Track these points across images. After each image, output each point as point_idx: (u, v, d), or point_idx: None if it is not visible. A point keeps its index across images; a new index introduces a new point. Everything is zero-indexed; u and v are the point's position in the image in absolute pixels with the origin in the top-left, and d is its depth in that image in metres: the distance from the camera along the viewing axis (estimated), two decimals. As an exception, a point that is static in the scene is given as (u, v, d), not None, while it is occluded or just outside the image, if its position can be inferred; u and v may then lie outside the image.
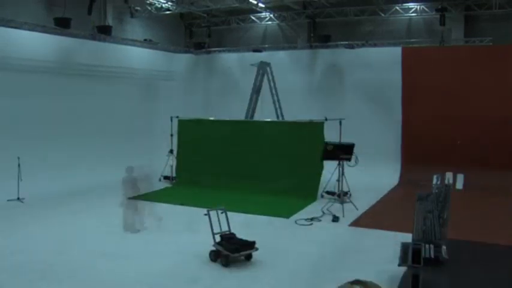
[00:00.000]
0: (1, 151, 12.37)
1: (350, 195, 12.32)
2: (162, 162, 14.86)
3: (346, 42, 17.24)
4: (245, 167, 13.76)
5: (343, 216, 10.78)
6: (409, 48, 16.10)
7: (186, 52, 20.02)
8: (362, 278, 5.42)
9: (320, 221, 10.56)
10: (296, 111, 15.03)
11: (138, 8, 17.46)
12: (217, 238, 7.95)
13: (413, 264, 6.24)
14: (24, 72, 13.48)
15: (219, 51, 19.99)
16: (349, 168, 11.96)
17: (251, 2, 16.05)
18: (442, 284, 6.97)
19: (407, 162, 15.32)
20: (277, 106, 15.29)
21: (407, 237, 7.72)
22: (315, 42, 18.17)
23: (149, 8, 17.35)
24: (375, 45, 16.98)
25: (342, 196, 11.90)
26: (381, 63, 15.94)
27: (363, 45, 16.94)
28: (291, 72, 17.42)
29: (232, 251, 7.56)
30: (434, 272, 6.97)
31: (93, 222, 10.25)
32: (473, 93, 14.56)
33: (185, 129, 14.95)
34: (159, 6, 17.16)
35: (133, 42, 17.52)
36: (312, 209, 11.50)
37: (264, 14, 18.95)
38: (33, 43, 13.92)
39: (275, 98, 15.32)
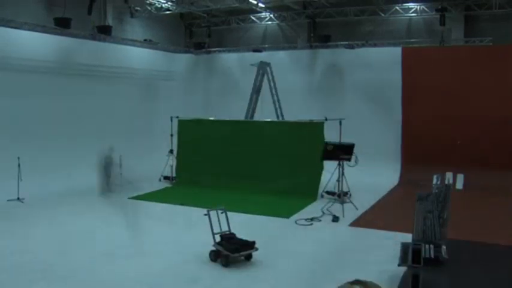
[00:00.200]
0: (1, 151, 12.34)
1: (350, 195, 12.32)
2: (162, 162, 14.86)
3: (346, 42, 17.23)
4: (245, 167, 13.76)
5: (343, 216, 10.78)
6: (409, 48, 16.09)
7: (186, 52, 20.01)
8: (362, 278, 5.41)
9: (320, 221, 10.55)
10: (296, 111, 15.01)
11: (138, 8, 17.45)
12: (217, 238, 7.94)
13: (413, 264, 6.24)
14: (24, 72, 13.46)
15: (219, 51, 19.98)
16: (349, 168, 11.96)
17: (251, 2, 16.04)
18: (442, 284, 6.96)
19: (407, 162, 15.31)
20: (277, 106, 15.29)
21: (407, 237, 7.73)
22: (315, 42, 18.16)
23: (149, 8, 17.34)
24: (375, 45, 16.97)
25: (342, 196, 11.90)
26: (381, 63, 15.93)
27: (363, 45, 16.93)
28: (291, 72, 17.41)
29: (232, 251, 7.56)
30: (434, 272, 6.96)
31: (93, 222, 10.24)
32: (473, 93, 14.55)
33: (185, 129, 14.95)
34: (159, 6, 17.14)
35: (133, 42, 17.51)
36: (312, 209, 11.49)
37: (264, 14, 18.94)
38: (33, 43, 13.91)
39: (275, 98, 15.32)
